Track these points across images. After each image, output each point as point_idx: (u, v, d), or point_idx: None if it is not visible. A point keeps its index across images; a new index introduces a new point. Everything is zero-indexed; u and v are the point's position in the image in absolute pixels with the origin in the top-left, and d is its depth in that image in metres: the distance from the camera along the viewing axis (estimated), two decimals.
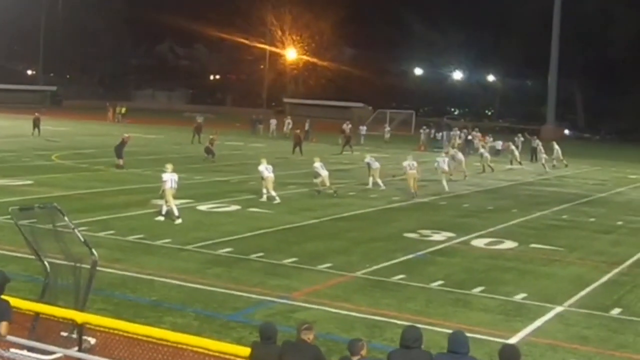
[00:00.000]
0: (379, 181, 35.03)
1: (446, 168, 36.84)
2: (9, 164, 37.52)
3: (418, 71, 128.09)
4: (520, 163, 50.66)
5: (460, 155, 42.57)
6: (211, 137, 45.62)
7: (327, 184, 32.29)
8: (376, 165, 35.60)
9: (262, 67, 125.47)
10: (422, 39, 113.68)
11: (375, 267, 19.40)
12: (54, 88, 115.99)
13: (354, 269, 19.12)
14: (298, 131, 53.91)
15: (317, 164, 32.41)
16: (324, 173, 32.25)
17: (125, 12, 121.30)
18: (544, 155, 50.18)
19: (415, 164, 33.74)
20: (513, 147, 52.31)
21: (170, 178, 24.75)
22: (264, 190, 29.63)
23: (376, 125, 75.96)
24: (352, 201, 31.13)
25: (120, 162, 38.27)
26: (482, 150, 48.65)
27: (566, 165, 50.91)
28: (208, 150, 44.05)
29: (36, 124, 54.46)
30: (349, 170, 42.63)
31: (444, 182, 35.91)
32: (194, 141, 53.87)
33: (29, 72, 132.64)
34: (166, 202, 24.59)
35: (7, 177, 32.51)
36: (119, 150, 38.92)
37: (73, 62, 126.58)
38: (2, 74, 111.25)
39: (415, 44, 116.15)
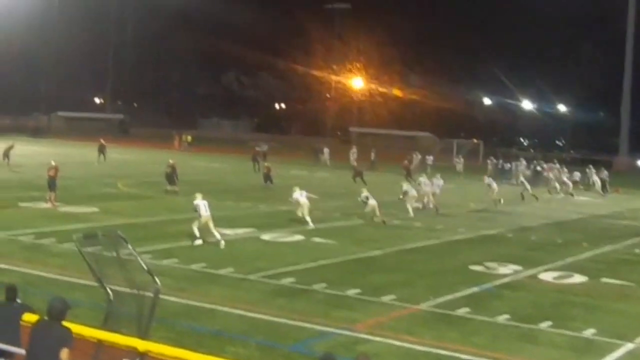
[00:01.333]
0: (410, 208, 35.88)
1: (415, 193, 37.24)
2: (74, 191, 38.24)
3: (487, 101, 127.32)
4: (572, 194, 50.09)
5: (494, 185, 42.09)
6: (266, 164, 47.10)
7: (377, 213, 32.72)
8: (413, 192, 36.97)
9: (327, 95, 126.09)
10: (490, 68, 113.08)
11: (439, 300, 19.27)
12: (121, 116, 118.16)
13: (418, 302, 19.02)
14: (355, 163, 53.96)
15: (365, 194, 33.44)
16: (373, 202, 32.76)
17: (192, 41, 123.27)
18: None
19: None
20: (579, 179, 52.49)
21: (202, 204, 25.67)
22: (300, 215, 30.71)
23: (443, 155, 75.62)
24: (417, 232, 30.99)
25: (176, 188, 38.82)
26: (553, 181, 48.45)
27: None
28: (266, 178, 45.22)
29: (101, 150, 55.53)
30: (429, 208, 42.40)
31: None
32: (255, 169, 54.34)
33: (97, 100, 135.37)
34: (200, 229, 25.46)
35: (73, 204, 33.15)
36: (170, 177, 39.72)
37: (140, 91, 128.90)
38: (71, 102, 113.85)
39: (484, 73, 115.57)
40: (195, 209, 25.57)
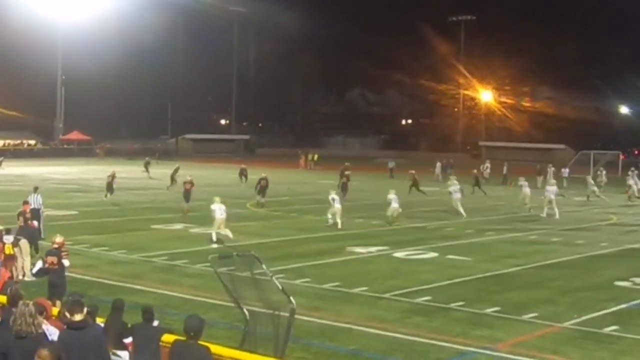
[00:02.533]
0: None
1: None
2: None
3: (624, 109, 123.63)
4: None
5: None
6: (347, 172, 49.86)
7: (395, 214, 35.51)
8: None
9: (455, 110, 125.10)
10: (626, 75, 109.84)
11: (584, 318, 18.66)
12: (247, 137, 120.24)
13: (561, 320, 18.47)
14: (414, 172, 52.97)
15: (392, 196, 35.79)
16: (338, 206, 34.57)
17: (315, 60, 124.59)
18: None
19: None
20: None
21: (218, 208, 28.99)
22: (330, 216, 34.36)
23: (579, 167, 73.67)
24: (557, 247, 30.19)
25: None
26: None
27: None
28: (344, 187, 47.04)
29: (243, 173, 56.60)
30: (552, 215, 41.46)
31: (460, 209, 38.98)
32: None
33: (222, 121, 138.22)
34: (217, 228, 28.91)
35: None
36: (110, 186, 44.00)
37: (265, 111, 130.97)
38: (197, 124, 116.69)
39: (620, 81, 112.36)
40: (212, 212, 28.92)
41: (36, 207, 28.34)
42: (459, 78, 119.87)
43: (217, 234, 28.86)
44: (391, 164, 65.24)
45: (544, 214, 39.95)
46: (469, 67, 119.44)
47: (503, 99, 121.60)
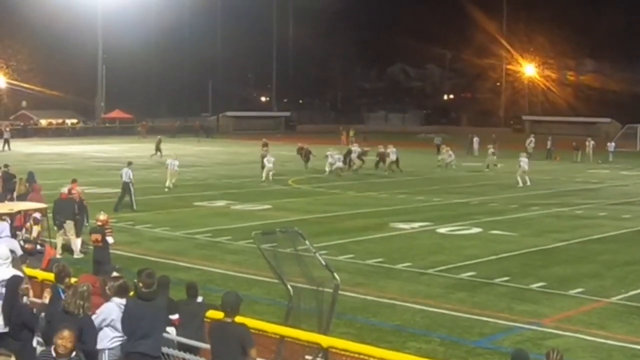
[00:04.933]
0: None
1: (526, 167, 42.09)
2: (247, 189, 39.18)
3: None
4: None
5: None
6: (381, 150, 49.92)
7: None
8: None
9: (498, 84, 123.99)
10: None
11: (632, 292, 18.52)
12: (287, 114, 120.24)
13: (608, 294, 18.35)
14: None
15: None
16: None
17: (355, 36, 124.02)
18: None
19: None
20: None
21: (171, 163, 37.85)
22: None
23: (625, 141, 72.79)
24: (603, 222, 29.89)
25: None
26: None
27: None
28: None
29: (305, 153, 55.43)
30: (597, 189, 41.13)
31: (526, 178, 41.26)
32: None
33: (263, 98, 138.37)
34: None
35: (247, 202, 33.96)
36: None
37: (305, 88, 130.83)
38: (237, 101, 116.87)
39: None
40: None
41: (126, 180, 30.93)
42: (502, 51, 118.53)
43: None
44: (437, 140, 64.73)
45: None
46: (511, 40, 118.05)
47: (546, 72, 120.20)
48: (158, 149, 57.30)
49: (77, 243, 22.18)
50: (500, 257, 22.59)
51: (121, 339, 10.23)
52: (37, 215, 21.54)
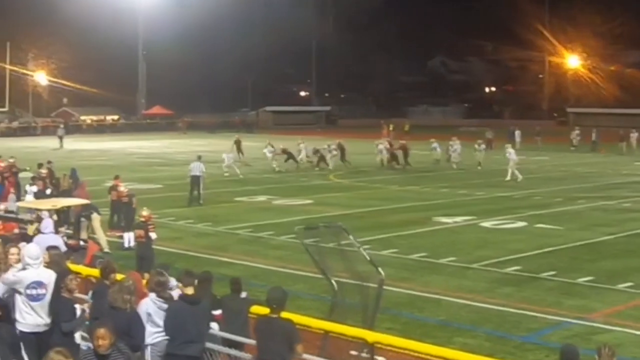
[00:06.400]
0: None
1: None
2: (288, 184, 39.21)
3: None
4: None
5: None
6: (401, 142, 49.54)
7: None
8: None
9: (540, 76, 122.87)
10: None
11: None
12: (328, 108, 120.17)
13: None
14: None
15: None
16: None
17: (395, 29, 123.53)
18: None
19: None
20: None
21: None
22: None
23: None
24: None
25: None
26: None
27: None
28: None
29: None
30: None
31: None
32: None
33: (302, 93, 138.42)
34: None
35: (288, 196, 33.96)
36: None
37: (345, 82, 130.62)
38: (277, 96, 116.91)
39: None
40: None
41: (197, 174, 31.96)
42: (544, 43, 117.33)
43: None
44: (489, 134, 64.11)
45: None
46: (554, 31, 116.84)
47: (591, 64, 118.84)
48: (239, 150, 53.85)
49: (103, 238, 22.12)
50: (546, 251, 22.34)
51: (162, 335, 10.22)
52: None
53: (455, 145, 48.38)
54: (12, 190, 27.74)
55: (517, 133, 65.93)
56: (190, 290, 10.23)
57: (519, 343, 14.27)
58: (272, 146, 46.50)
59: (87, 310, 10.67)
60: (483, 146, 48.04)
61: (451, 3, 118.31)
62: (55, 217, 20.00)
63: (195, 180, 31.88)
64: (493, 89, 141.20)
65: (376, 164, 47.31)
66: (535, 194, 35.03)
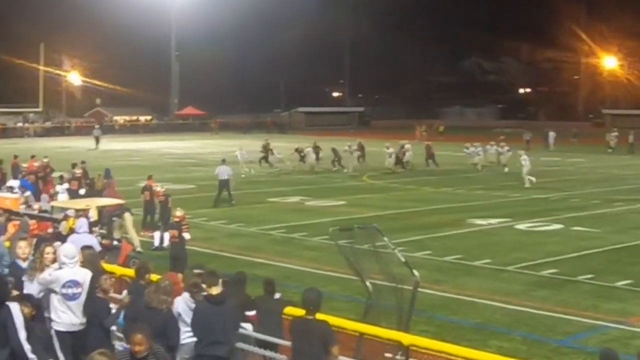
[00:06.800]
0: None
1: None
2: (321, 185, 39.22)
3: None
4: None
5: None
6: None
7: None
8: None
9: (576, 77, 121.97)
10: None
11: None
12: (361, 109, 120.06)
13: None
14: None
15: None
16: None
17: (429, 29, 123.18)
18: None
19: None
20: None
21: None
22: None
23: None
24: None
25: None
26: None
27: None
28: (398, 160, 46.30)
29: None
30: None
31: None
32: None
33: (335, 94, 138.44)
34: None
35: (321, 197, 33.96)
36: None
37: (379, 83, 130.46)
38: (309, 97, 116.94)
39: None
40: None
41: (226, 177, 32.17)
42: (580, 44, 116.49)
43: None
44: (527, 136, 63.75)
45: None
46: (590, 32, 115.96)
47: (628, 65, 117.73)
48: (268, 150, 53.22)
49: (136, 237, 22.19)
50: (583, 254, 22.13)
51: (191, 335, 10.25)
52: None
53: (503, 148, 47.45)
54: (51, 190, 28.00)
55: (551, 134, 65.54)
56: (215, 290, 10.23)
57: (555, 347, 14.16)
58: (243, 149, 46.25)
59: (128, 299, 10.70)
60: (507, 148, 47.34)
61: (484, 3, 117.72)
62: (96, 216, 20.18)
63: (224, 183, 32.11)
64: (527, 90, 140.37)
65: (386, 167, 46.11)
66: (572, 196, 34.75)
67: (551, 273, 19.70)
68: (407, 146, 48.12)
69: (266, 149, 49.47)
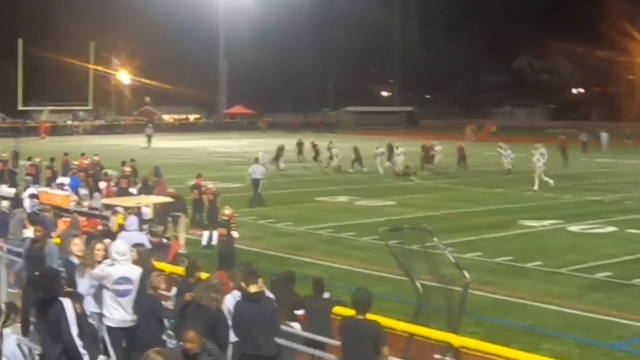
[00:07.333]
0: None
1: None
2: (370, 185, 39.20)
3: None
4: None
5: None
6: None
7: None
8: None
9: (631, 78, 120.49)
10: None
11: None
12: (410, 108, 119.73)
13: None
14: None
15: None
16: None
17: (480, 29, 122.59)
18: None
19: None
20: None
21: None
22: None
23: None
24: None
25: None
26: None
27: None
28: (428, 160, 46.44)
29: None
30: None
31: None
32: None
33: (384, 93, 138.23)
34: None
35: (370, 197, 33.94)
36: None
37: (428, 82, 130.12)
38: (358, 96, 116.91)
39: None
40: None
41: (259, 177, 32.15)
42: (634, 43, 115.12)
43: None
44: (583, 137, 63.01)
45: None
46: None
47: None
48: (300, 151, 54.67)
49: (184, 237, 22.39)
50: (638, 257, 21.83)
51: None
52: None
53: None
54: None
55: (603, 135, 64.72)
56: (253, 289, 10.28)
57: (608, 350, 14.01)
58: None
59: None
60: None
61: (536, 2, 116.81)
62: (151, 214, 20.49)
63: (257, 182, 32.04)
64: (580, 90, 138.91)
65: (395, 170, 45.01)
66: (627, 198, 34.27)
67: (605, 276, 19.47)
68: (438, 148, 47.77)
69: (315, 149, 49.63)
